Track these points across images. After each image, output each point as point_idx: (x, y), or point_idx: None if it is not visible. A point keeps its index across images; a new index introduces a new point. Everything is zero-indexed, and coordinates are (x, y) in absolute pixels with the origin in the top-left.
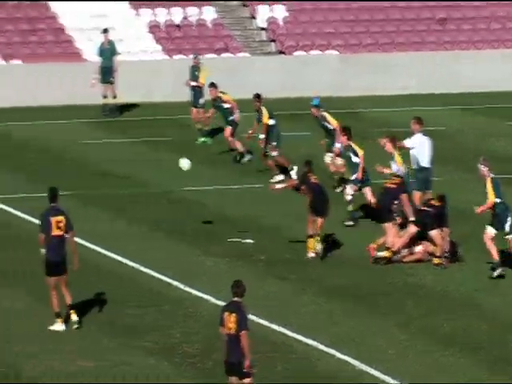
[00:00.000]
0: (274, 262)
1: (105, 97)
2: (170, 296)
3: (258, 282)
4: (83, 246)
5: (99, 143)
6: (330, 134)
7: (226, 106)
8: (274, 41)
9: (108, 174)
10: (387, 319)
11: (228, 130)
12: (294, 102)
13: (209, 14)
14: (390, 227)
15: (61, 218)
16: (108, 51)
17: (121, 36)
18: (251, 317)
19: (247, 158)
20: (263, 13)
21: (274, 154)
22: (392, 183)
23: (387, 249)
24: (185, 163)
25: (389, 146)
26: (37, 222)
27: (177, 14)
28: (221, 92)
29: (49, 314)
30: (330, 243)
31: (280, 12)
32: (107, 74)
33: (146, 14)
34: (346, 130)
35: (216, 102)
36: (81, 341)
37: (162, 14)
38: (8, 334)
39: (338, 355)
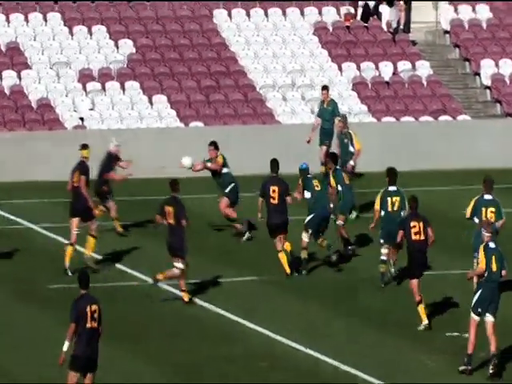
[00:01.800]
0: None
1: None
2: None
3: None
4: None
5: None
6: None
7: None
8: (499, 101)
9: None
10: None
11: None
12: None
13: (423, 69)
14: None
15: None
16: (328, 111)
17: (319, 94)
18: None
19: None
20: (488, 68)
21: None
22: None
23: None
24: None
25: None
26: None
27: (386, 70)
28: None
29: None
30: None
31: (507, 68)
32: (326, 136)
33: (350, 69)
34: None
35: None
36: None
37: (367, 70)
38: None
39: None
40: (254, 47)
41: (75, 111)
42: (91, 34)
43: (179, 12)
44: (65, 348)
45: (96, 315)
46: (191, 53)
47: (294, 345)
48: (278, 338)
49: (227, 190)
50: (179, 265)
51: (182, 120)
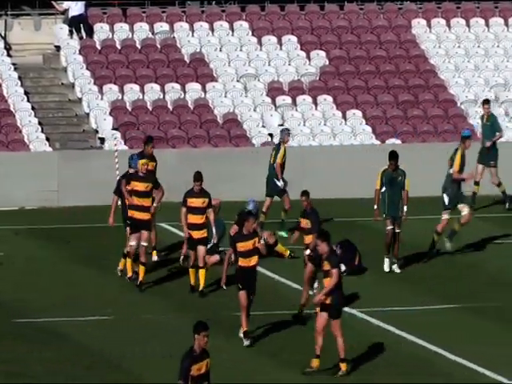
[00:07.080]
0: None
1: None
2: None
3: None
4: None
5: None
6: None
7: None
8: None
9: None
10: None
11: None
12: None
13: None
14: None
15: None
16: (488, 128)
17: None
18: None
19: None
20: None
21: None
22: None
23: None
24: None
25: None
26: None
27: None
28: None
29: None
30: None
31: None
32: (486, 155)
33: None
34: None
35: None
36: None
37: None
38: None
39: None
40: (454, 60)
41: (264, 127)
42: (281, 45)
43: (375, 22)
44: None
45: None
46: (388, 65)
47: None
48: None
49: None
50: None
51: (378, 137)
